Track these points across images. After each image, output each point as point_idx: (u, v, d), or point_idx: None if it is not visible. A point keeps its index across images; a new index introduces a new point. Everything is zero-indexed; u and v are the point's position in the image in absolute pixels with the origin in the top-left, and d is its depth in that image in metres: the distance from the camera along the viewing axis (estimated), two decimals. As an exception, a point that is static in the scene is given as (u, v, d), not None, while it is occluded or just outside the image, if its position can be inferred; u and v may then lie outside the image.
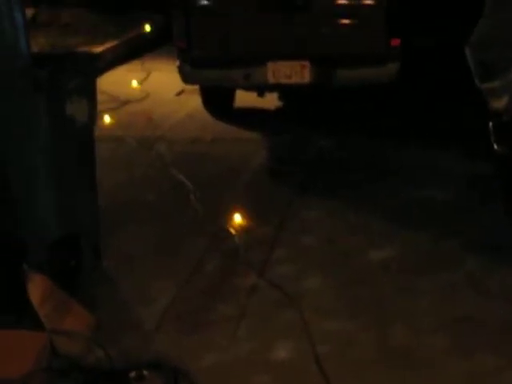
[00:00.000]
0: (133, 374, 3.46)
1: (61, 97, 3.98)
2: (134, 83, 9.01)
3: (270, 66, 6.89)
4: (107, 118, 7.29)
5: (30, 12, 9.82)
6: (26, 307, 3.65)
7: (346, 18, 7.01)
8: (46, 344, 3.31)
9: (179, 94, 8.59)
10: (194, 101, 8.04)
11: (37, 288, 3.66)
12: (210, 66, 7.01)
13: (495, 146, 5.15)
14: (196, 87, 7.88)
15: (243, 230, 5.07)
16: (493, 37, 4.63)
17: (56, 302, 3.71)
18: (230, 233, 5.04)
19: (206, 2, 7.14)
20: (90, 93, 4.29)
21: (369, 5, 7.03)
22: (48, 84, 3.83)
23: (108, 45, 10.26)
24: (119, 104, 8.08)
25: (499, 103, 4.59)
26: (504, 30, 4.55)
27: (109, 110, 7.47)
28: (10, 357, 3.22)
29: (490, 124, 5.18)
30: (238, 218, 5.19)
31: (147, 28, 11.60)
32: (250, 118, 7.66)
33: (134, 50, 10.75)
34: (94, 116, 4.44)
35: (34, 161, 4.01)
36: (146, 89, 8.83)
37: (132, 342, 3.82)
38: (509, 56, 4.47)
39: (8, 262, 3.87)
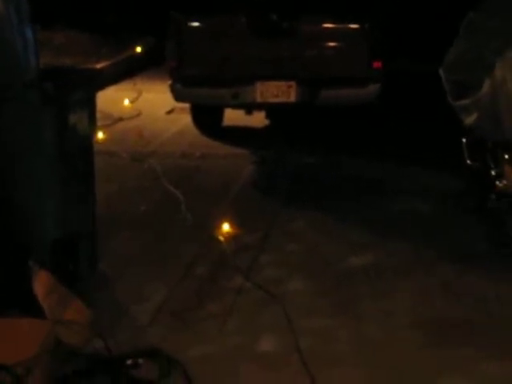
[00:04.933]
0: (129, 362, 3.74)
1: (65, 109, 4.27)
2: (127, 102, 9.34)
3: (258, 85, 7.23)
4: (101, 134, 7.59)
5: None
6: (29, 301, 3.93)
7: (330, 41, 7.38)
8: (50, 331, 3.57)
9: (170, 112, 8.93)
10: (184, 119, 8.39)
11: (41, 282, 3.95)
12: (200, 84, 7.34)
13: (468, 162, 5.51)
14: (186, 106, 8.21)
15: (231, 238, 5.38)
16: (465, 59, 5.00)
17: (58, 295, 3.99)
18: (219, 240, 5.35)
19: (197, 24, 7.48)
20: (90, 106, 4.60)
21: (352, 29, 7.39)
22: (54, 96, 4.12)
23: (101, 65, 10.55)
24: (112, 121, 8.41)
25: (470, 119, 4.94)
26: (474, 52, 4.91)
27: (102, 127, 7.76)
28: (16, 342, 3.47)
29: (463, 141, 5.54)
30: (226, 227, 5.50)
31: (138, 49, 11.93)
32: (238, 135, 8.01)
33: (125, 71, 11.08)
34: (93, 128, 4.75)
35: (38, 168, 4.28)
36: (138, 107, 9.18)
37: (127, 335, 4.09)
38: (479, 76, 4.82)
39: (13, 259, 4.15)
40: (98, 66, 10.44)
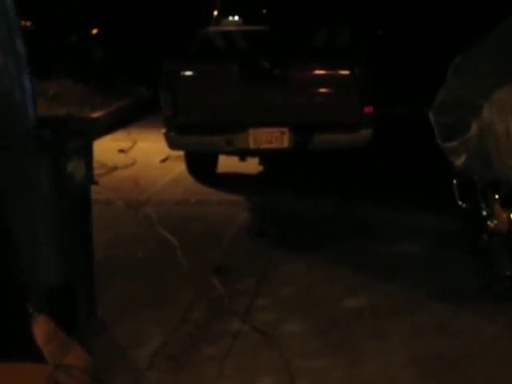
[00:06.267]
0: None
1: (62, 157, 4.35)
2: (121, 151, 9.44)
3: (251, 132, 7.34)
4: (97, 183, 7.66)
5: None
6: (29, 347, 3.98)
7: (322, 87, 7.50)
8: (50, 376, 3.61)
9: (164, 160, 9.03)
10: (178, 167, 8.49)
11: (41, 328, 3.96)
12: (194, 132, 7.46)
13: (459, 203, 5.59)
14: (180, 154, 8.32)
15: (226, 282, 5.44)
16: (452, 102, 5.11)
17: (58, 341, 4.00)
18: (215, 284, 5.41)
19: (190, 73, 7.61)
20: (87, 154, 4.68)
21: (343, 75, 7.52)
22: (52, 144, 4.21)
23: (96, 114, 10.68)
24: (108, 170, 8.49)
25: (460, 161, 5.03)
26: (462, 95, 5.02)
27: (98, 176, 7.82)
28: (17, 387, 3.53)
29: (454, 182, 5.63)
30: (221, 271, 5.56)
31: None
32: (232, 182, 8.10)
33: (119, 120, 11.21)
34: (90, 176, 4.83)
35: (36, 215, 4.36)
36: (133, 156, 9.27)
37: (126, 380, 4.14)
38: (466, 118, 4.92)
39: (12, 305, 4.20)
40: (93, 115, 10.56)
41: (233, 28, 9.26)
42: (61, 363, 3.81)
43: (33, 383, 3.54)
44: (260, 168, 8.62)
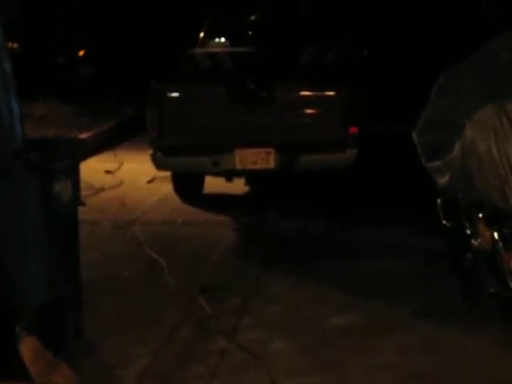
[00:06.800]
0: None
1: (50, 177, 4.38)
2: (108, 172, 9.47)
3: (237, 153, 7.38)
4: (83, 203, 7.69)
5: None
6: (16, 366, 3.99)
7: (307, 108, 7.56)
8: (37, 395, 3.64)
9: (151, 181, 9.05)
10: (165, 187, 8.52)
11: (28, 347, 4.01)
12: (181, 153, 7.49)
13: (443, 222, 5.65)
14: (167, 175, 8.34)
15: (213, 302, 5.46)
16: (436, 121, 5.18)
17: (45, 360, 4.05)
18: (201, 304, 5.43)
19: (176, 94, 7.66)
20: (74, 175, 4.72)
21: (328, 96, 7.58)
22: (39, 165, 4.24)
23: (83, 135, 10.69)
24: (94, 191, 8.50)
25: (443, 180, 5.09)
26: (445, 114, 5.09)
27: (85, 196, 7.83)
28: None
29: (438, 201, 5.68)
30: (208, 291, 5.59)
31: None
32: (218, 202, 8.14)
33: (106, 141, 11.23)
34: (77, 196, 4.85)
35: (23, 234, 4.37)
36: (120, 177, 9.30)
37: (113, 399, 4.16)
38: (450, 137, 4.98)
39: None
40: (80, 136, 10.57)
41: (219, 49, 9.30)
42: (48, 382, 3.84)
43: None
44: (246, 188, 8.66)
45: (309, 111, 7.65)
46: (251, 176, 8.28)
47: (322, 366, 4.53)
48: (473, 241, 5.26)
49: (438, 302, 5.36)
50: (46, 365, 4.06)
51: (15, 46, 13.52)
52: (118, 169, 9.80)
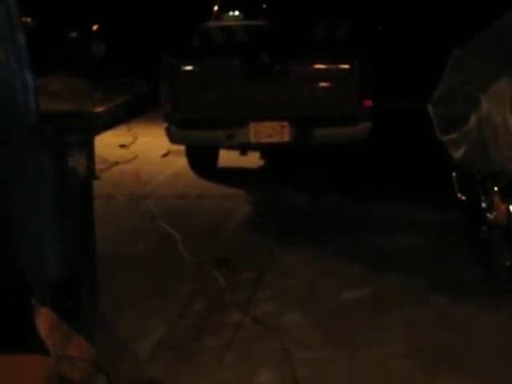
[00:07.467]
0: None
1: (64, 151, 4.38)
2: (122, 146, 9.49)
3: (252, 126, 7.38)
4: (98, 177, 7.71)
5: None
6: (32, 338, 4.02)
7: (321, 81, 7.54)
8: (53, 367, 3.65)
9: (165, 155, 9.07)
10: (179, 161, 8.54)
11: (44, 320, 4.03)
12: (195, 126, 7.49)
13: (458, 195, 5.63)
14: (181, 149, 8.35)
15: (228, 275, 5.48)
16: (451, 94, 5.15)
17: (61, 333, 4.07)
18: (216, 277, 5.45)
19: (190, 68, 7.64)
20: (89, 148, 4.71)
21: (342, 69, 7.55)
22: (53, 139, 4.24)
23: (97, 110, 10.70)
24: (109, 165, 8.54)
25: (459, 153, 5.07)
26: (460, 87, 5.06)
27: (99, 171, 7.86)
28: (20, 378, 3.55)
29: (453, 174, 5.67)
30: (222, 264, 5.60)
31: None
32: (232, 176, 8.14)
33: (120, 115, 11.24)
34: (92, 170, 4.86)
35: (39, 209, 4.38)
36: (134, 151, 9.32)
37: (128, 371, 4.18)
38: (465, 110, 4.96)
39: (15, 298, 4.24)
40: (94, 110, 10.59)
41: (233, 23, 9.28)
42: (63, 354, 3.85)
43: (36, 374, 3.58)
44: (261, 162, 8.66)
45: (323, 84, 7.63)
46: (265, 150, 8.27)
47: (334, 338, 4.54)
48: (488, 214, 5.25)
49: (452, 276, 5.36)
50: (62, 337, 4.09)
51: (28, 20, 13.52)
52: (133, 143, 9.82)
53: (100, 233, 5.26)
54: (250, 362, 4.27)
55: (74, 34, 15.01)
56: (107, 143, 9.45)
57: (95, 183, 4.92)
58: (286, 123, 7.39)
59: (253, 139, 7.43)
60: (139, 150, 9.37)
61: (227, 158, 8.35)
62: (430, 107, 5.33)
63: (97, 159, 4.99)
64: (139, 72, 13.26)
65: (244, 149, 7.90)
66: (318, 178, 7.99)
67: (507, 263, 5.00)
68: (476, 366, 4.15)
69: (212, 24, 9.19)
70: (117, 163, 8.71)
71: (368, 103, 7.44)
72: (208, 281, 5.44)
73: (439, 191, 6.37)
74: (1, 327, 4.13)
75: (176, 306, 5.03)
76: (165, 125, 7.66)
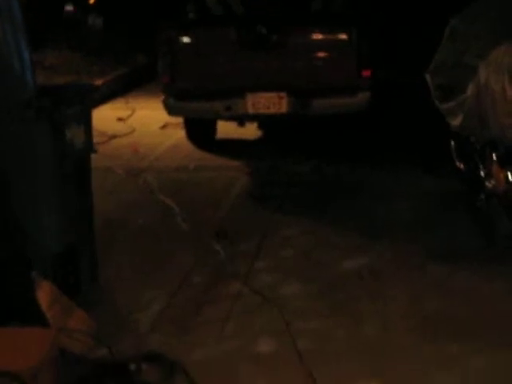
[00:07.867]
0: (132, 367, 3.83)
1: (62, 124, 4.36)
2: (120, 119, 9.47)
3: (250, 97, 7.35)
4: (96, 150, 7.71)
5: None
6: (33, 311, 4.04)
7: (319, 52, 7.50)
8: (54, 339, 3.67)
9: (163, 127, 9.05)
10: (177, 133, 8.53)
11: (44, 292, 4.05)
12: (193, 98, 7.46)
13: (457, 164, 5.64)
14: (179, 121, 8.34)
15: (227, 246, 5.49)
16: (448, 63, 5.14)
17: (61, 305, 4.10)
18: (215, 248, 5.46)
19: (188, 40, 7.60)
20: (87, 121, 4.70)
21: (340, 39, 7.51)
22: (50, 112, 4.22)
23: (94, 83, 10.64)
24: (107, 138, 8.52)
25: (457, 121, 5.07)
26: (457, 56, 5.05)
27: (97, 144, 7.85)
28: (21, 350, 3.56)
29: (452, 143, 5.67)
30: (222, 235, 5.61)
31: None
32: (231, 147, 8.14)
33: (118, 88, 11.21)
34: (90, 142, 4.85)
35: (37, 182, 4.38)
36: (132, 124, 9.30)
37: (129, 342, 4.18)
38: (463, 78, 4.95)
39: (16, 271, 4.25)
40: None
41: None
42: (64, 327, 3.87)
43: (38, 346, 3.60)
44: (259, 133, 8.64)
45: (321, 54, 7.59)
46: (263, 121, 8.25)
47: (334, 308, 4.55)
48: (486, 182, 5.26)
49: (451, 244, 5.37)
50: (62, 310, 4.11)
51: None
52: (130, 116, 9.80)
53: (98, 205, 5.26)
54: (250, 333, 4.28)
55: (70, 7, 14.92)
56: (105, 117, 9.43)
57: (93, 156, 4.92)
58: (283, 94, 7.36)
59: (251, 110, 7.40)
60: (137, 123, 9.35)
61: (225, 129, 8.33)
62: (427, 76, 5.33)
63: (94, 133, 4.99)
64: (137, 45, 13.20)
65: (242, 120, 7.88)
66: (317, 148, 7.99)
67: (505, 232, 5.00)
68: (484, 332, 4.16)
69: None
70: (115, 136, 8.69)
71: (366, 73, 7.40)
72: (207, 252, 5.44)
73: (439, 159, 6.36)
74: (2, 300, 4.15)
75: (176, 277, 5.04)
76: (162, 97, 7.64)
